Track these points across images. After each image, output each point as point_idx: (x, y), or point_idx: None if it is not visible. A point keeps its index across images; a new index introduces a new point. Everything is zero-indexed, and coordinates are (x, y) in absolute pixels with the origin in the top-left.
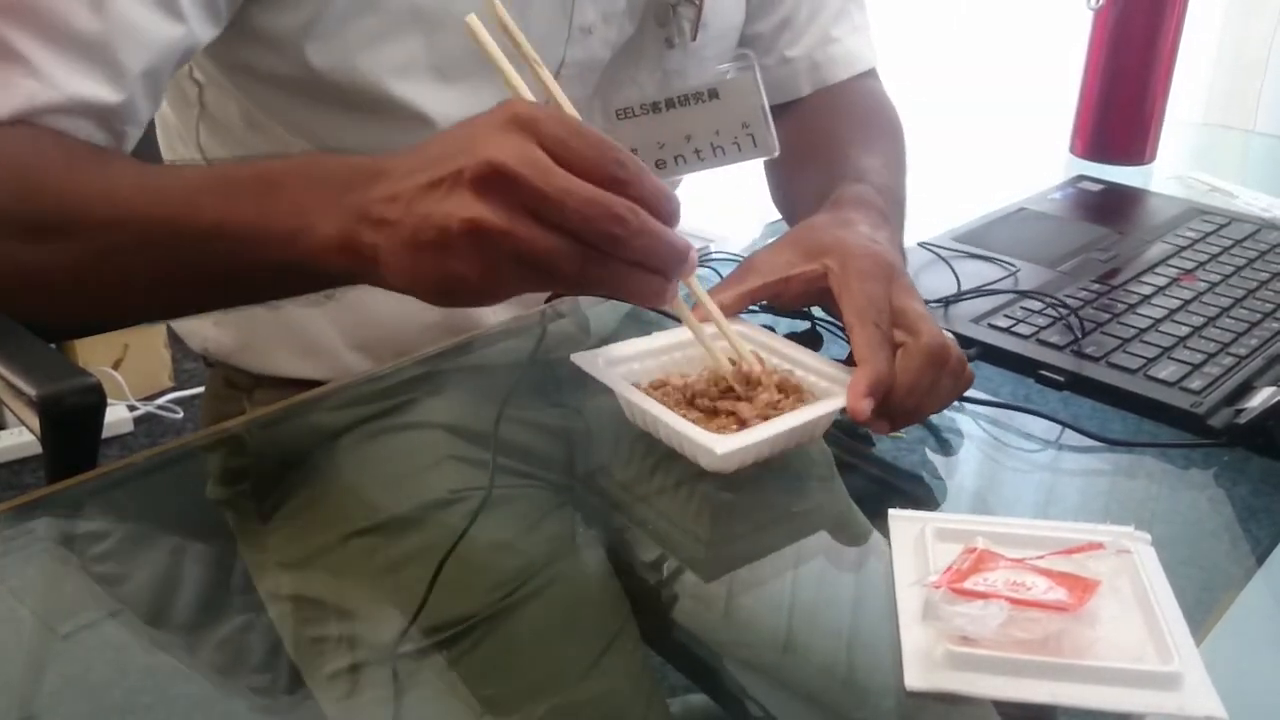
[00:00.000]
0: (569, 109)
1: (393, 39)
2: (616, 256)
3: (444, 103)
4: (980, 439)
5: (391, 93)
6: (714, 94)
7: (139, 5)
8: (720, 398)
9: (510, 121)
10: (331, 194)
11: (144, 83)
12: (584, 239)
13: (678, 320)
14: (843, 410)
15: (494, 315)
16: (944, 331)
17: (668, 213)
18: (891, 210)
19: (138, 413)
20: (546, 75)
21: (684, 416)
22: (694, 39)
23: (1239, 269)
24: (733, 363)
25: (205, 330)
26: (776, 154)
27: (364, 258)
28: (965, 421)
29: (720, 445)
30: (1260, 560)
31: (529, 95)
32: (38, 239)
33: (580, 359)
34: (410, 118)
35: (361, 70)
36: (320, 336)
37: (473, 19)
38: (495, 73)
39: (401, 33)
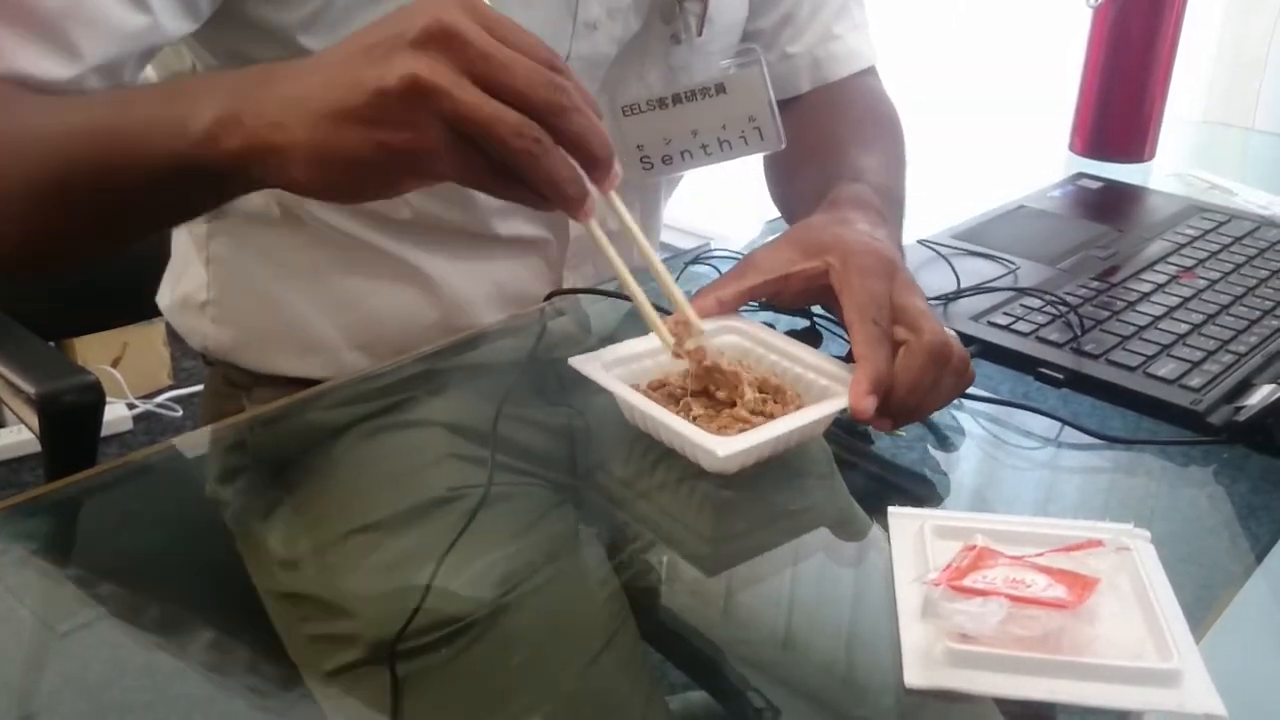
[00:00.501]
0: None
1: None
2: (552, 130)
3: None
4: (980, 436)
5: None
6: (720, 89)
7: None
8: (706, 395)
9: (452, 1)
10: (230, 86)
11: (99, 68)
12: (528, 105)
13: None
14: (843, 410)
15: (491, 315)
16: (946, 329)
17: (594, 106)
18: (889, 209)
19: (136, 411)
20: None
21: (684, 416)
22: (700, 35)
23: (1238, 266)
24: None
25: (205, 328)
26: (783, 148)
27: (259, 141)
28: (965, 419)
29: (722, 447)
30: (1260, 557)
31: None
32: None
33: (578, 362)
34: None
35: None
36: (320, 335)
37: None
38: None
39: None
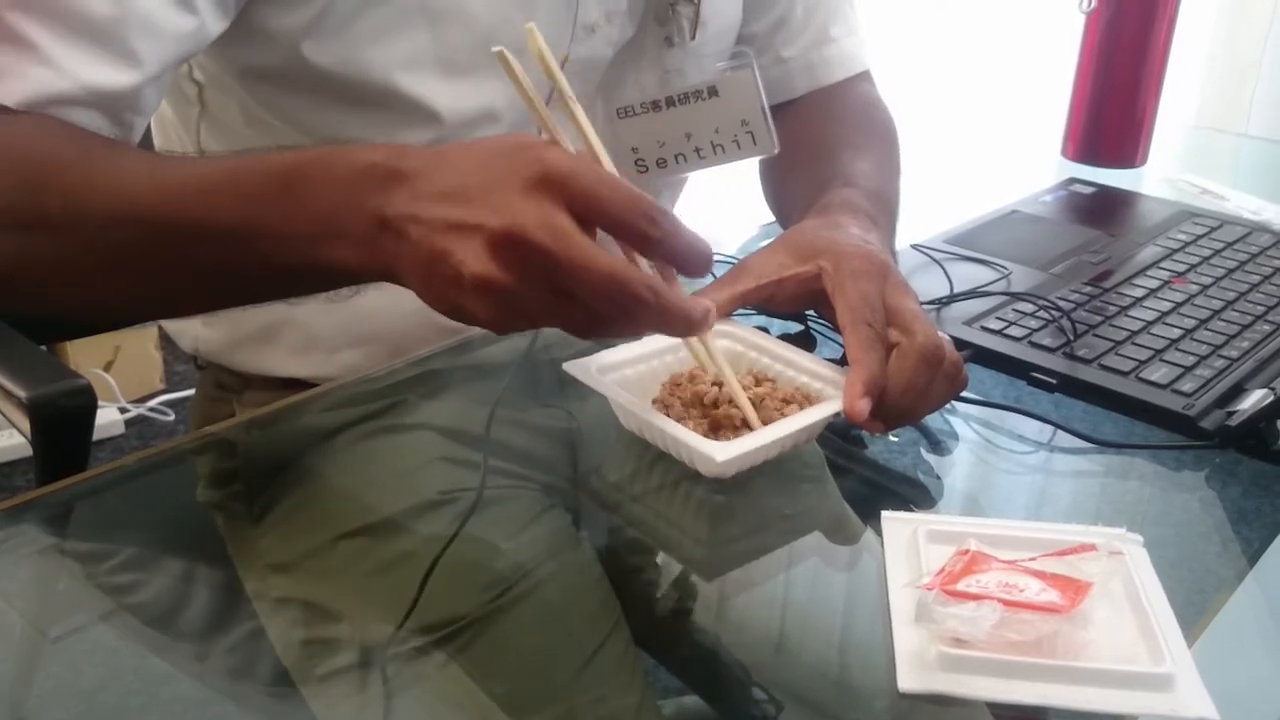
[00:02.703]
0: (604, 157)
1: (400, 33)
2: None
3: (451, 97)
4: (973, 441)
5: (399, 87)
6: (714, 91)
7: None
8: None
9: (541, 181)
10: (354, 196)
11: (155, 72)
12: (597, 312)
13: None
14: (838, 413)
15: None
16: (940, 332)
17: (698, 267)
18: (881, 214)
19: (129, 415)
20: (582, 117)
21: (680, 420)
22: (693, 38)
23: (1230, 272)
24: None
25: (195, 330)
26: (776, 151)
27: (384, 264)
28: (958, 423)
29: (720, 453)
30: (1251, 562)
31: (566, 142)
32: (43, 231)
33: (572, 367)
34: (417, 112)
35: (368, 65)
36: (312, 334)
37: (503, 51)
38: (518, 95)
39: (409, 27)
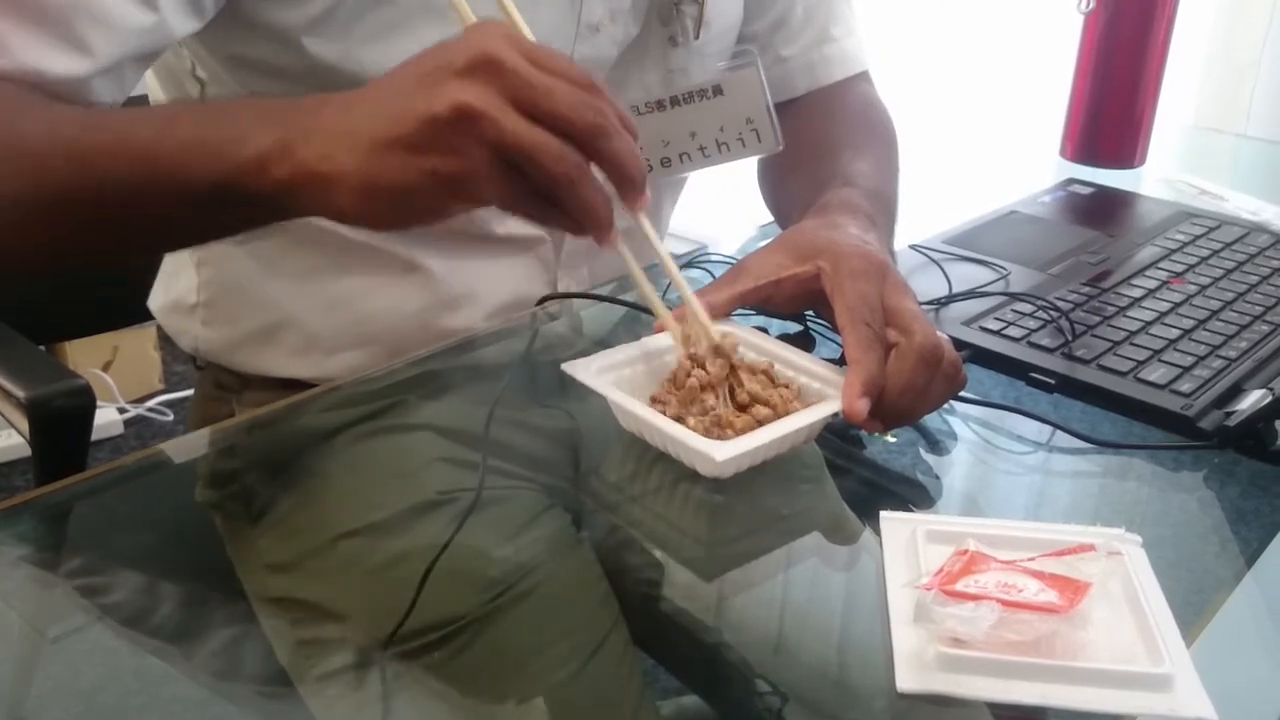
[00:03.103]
0: (530, 36)
1: (404, 31)
2: (592, 154)
3: None
4: (971, 441)
5: None
6: (718, 90)
7: None
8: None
9: (491, 30)
10: (278, 114)
11: (107, 64)
12: (570, 129)
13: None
14: (837, 413)
15: (485, 315)
16: (939, 332)
17: (630, 127)
18: (879, 214)
19: (127, 415)
20: (512, 10)
21: (678, 420)
22: (697, 37)
23: (1228, 272)
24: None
25: (195, 330)
26: (781, 149)
27: (307, 171)
28: (956, 423)
29: (719, 452)
30: (1250, 562)
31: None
32: None
33: (571, 368)
34: None
35: (371, 63)
36: (311, 335)
37: None
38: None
39: (413, 25)
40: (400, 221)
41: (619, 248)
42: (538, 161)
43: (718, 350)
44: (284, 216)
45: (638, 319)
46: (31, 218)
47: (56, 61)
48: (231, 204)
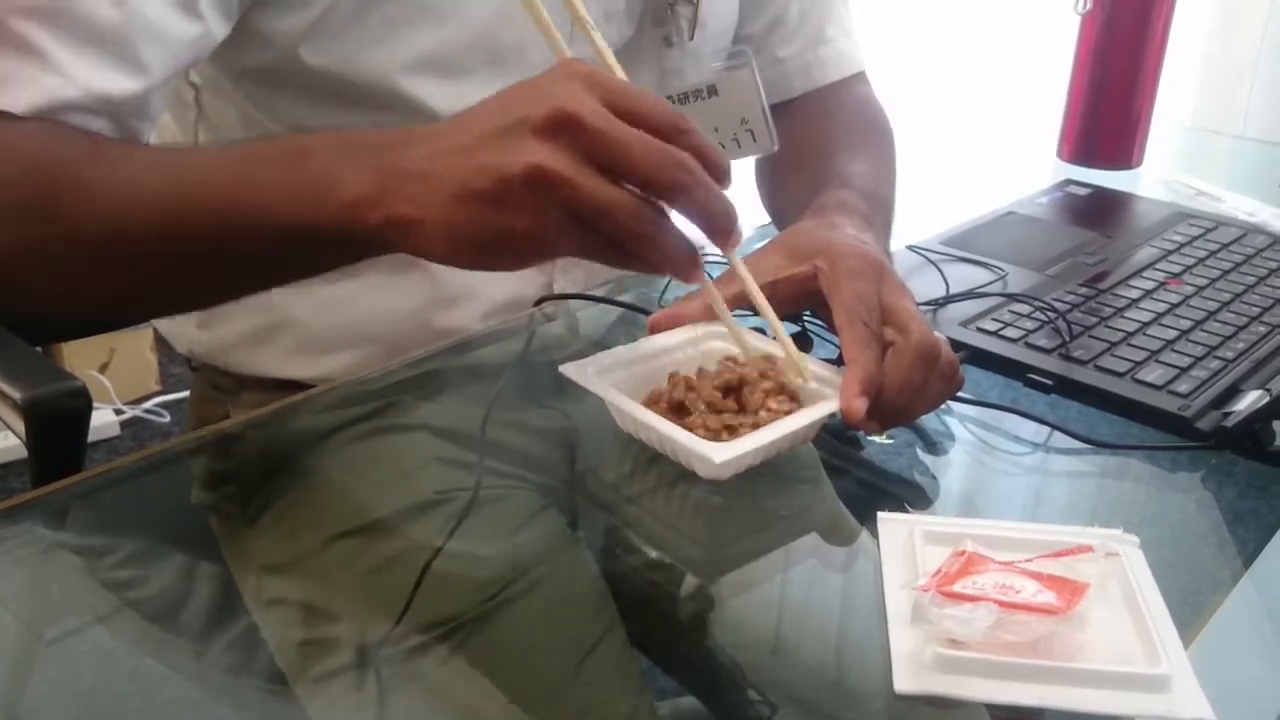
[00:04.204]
0: (621, 74)
1: (401, 35)
2: (677, 208)
3: (451, 98)
4: (969, 442)
5: (399, 88)
6: (713, 91)
7: (158, 2)
8: (722, 401)
9: (573, 75)
10: (365, 155)
11: (162, 79)
12: (651, 187)
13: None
14: (834, 413)
15: (482, 316)
16: (936, 331)
17: (721, 168)
18: (876, 214)
19: (124, 416)
20: (601, 42)
21: (676, 422)
22: (691, 38)
23: (1226, 273)
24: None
25: (190, 333)
26: (776, 149)
27: (397, 217)
28: (954, 424)
29: (718, 454)
30: (1247, 563)
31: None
32: (57, 224)
33: (569, 369)
34: (417, 113)
35: (368, 67)
36: (308, 337)
37: None
38: (531, 50)
39: (410, 28)
40: (485, 265)
41: (706, 284)
42: (613, 220)
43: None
44: (374, 255)
45: (634, 320)
46: (107, 270)
47: (117, 82)
48: (324, 247)
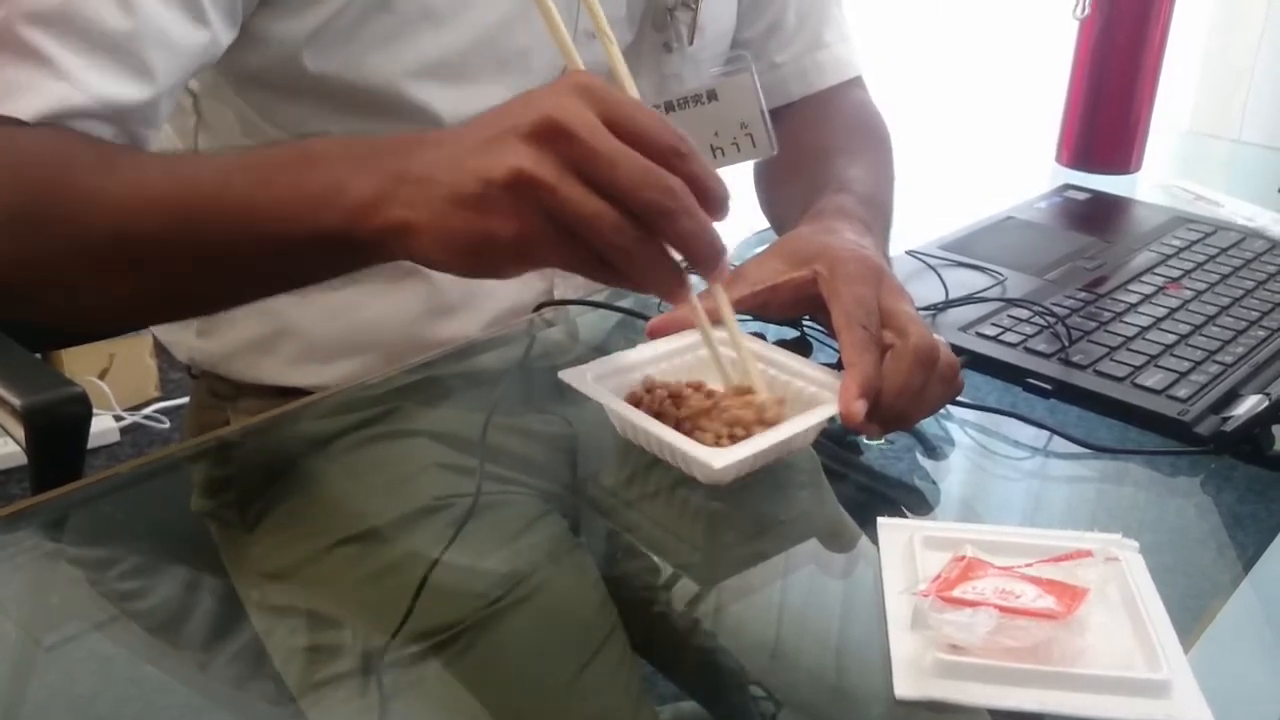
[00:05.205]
0: (632, 90)
1: (403, 40)
2: (657, 232)
3: (454, 102)
4: (968, 447)
5: (402, 94)
6: (713, 95)
7: (166, 10)
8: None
9: (573, 88)
10: (370, 160)
11: (169, 86)
12: (631, 206)
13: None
14: (833, 417)
15: (482, 322)
16: (935, 335)
17: (717, 199)
18: (874, 219)
19: (124, 423)
20: (616, 53)
21: (675, 427)
22: (691, 43)
23: (1224, 277)
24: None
25: (190, 341)
26: (775, 153)
27: (396, 222)
28: (953, 429)
29: (718, 459)
30: (1247, 567)
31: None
32: (64, 231)
33: (569, 375)
34: (419, 119)
35: (371, 72)
36: (308, 346)
37: None
38: (541, 52)
39: (412, 33)
40: (479, 272)
41: (692, 302)
42: (594, 232)
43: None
44: (380, 260)
45: (633, 325)
46: (115, 276)
47: (125, 89)
48: (330, 252)
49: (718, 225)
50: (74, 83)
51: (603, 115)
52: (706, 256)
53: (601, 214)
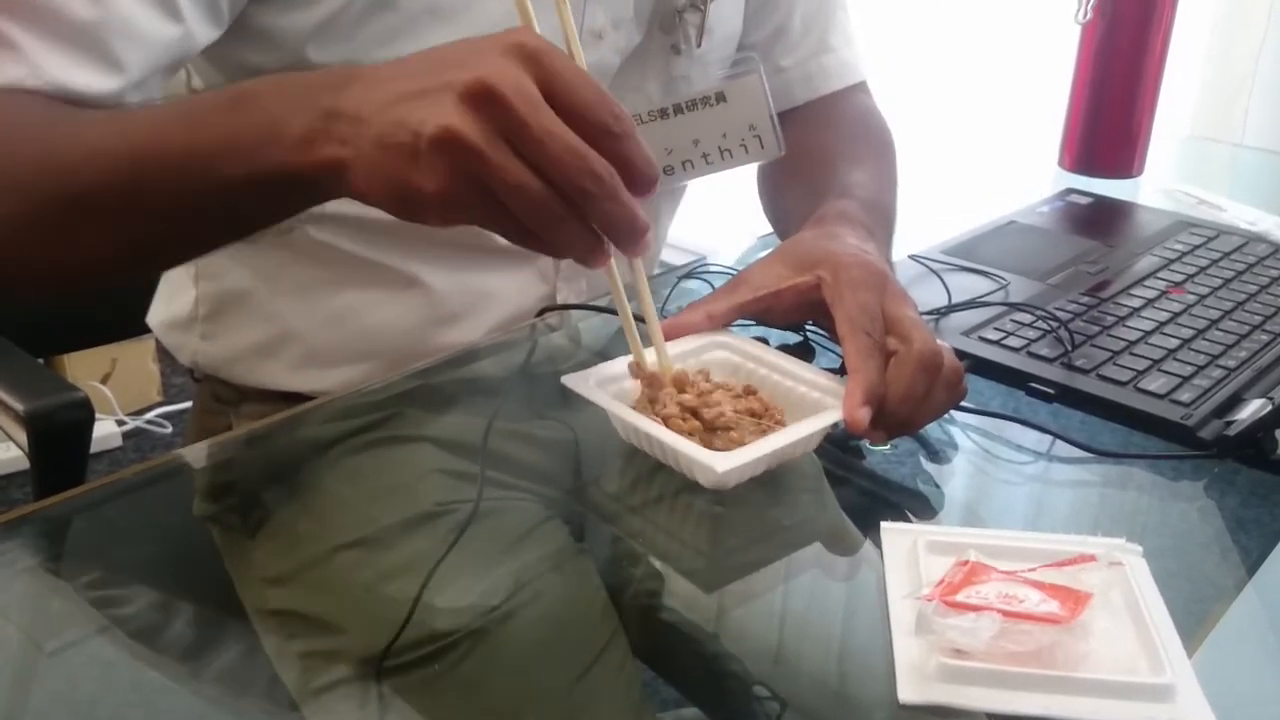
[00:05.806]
0: (579, 58)
1: (408, 36)
2: (580, 210)
3: None
4: (971, 451)
5: None
6: (720, 97)
7: (135, 2)
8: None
9: (515, 48)
10: (306, 96)
11: (139, 78)
12: (556, 184)
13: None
14: (837, 423)
15: (485, 327)
16: (938, 340)
17: (647, 180)
18: (877, 224)
19: (126, 428)
20: (568, 15)
21: (679, 431)
22: (699, 45)
23: (1227, 281)
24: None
25: (193, 344)
26: (783, 154)
27: (330, 158)
28: (956, 433)
29: (721, 464)
30: (1251, 571)
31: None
32: (14, 192)
33: (571, 380)
34: None
35: None
36: (310, 349)
37: None
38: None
39: (417, 30)
40: (409, 218)
41: (610, 271)
42: (518, 202)
43: (677, 382)
44: (324, 198)
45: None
46: (65, 234)
47: (90, 79)
48: (275, 191)
49: (642, 201)
50: (32, 67)
51: (542, 83)
52: (627, 238)
53: (526, 185)
